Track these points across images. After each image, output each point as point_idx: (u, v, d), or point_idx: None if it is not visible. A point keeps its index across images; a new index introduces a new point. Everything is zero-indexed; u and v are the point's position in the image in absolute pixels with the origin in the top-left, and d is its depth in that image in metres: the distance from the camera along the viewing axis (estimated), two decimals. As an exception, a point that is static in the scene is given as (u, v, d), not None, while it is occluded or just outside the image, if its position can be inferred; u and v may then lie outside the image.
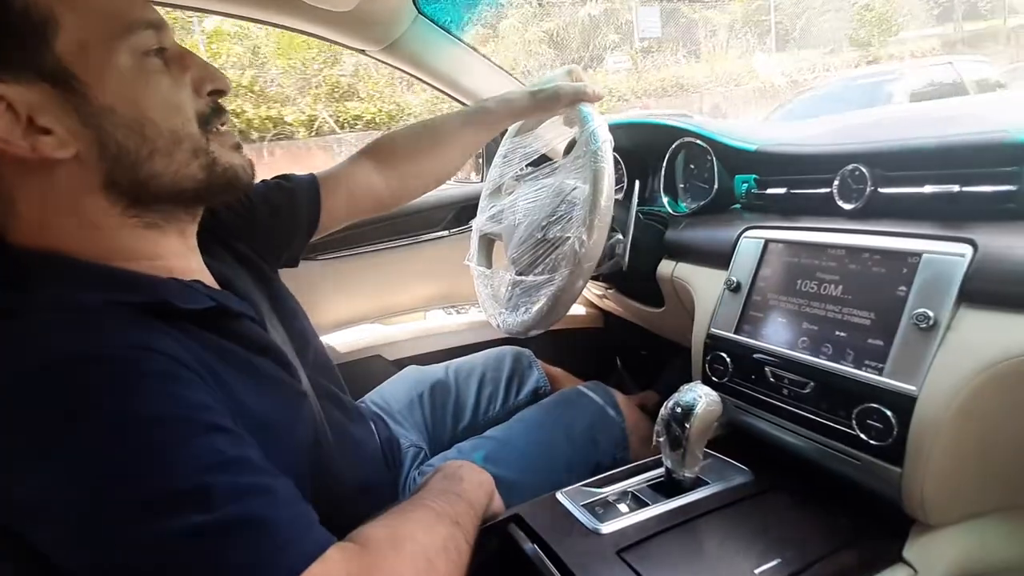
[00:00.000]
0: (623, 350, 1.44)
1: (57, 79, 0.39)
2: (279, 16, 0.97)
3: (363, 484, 0.64)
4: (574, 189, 0.80)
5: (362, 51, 1.07)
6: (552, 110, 0.82)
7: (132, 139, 0.42)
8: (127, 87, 0.42)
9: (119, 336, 0.39)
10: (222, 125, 0.50)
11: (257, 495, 0.38)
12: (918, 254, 0.54)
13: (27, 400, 0.35)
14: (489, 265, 1.01)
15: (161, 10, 0.48)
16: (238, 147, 0.51)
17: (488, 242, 1.01)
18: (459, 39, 1.10)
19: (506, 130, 0.99)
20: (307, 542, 0.38)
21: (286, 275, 0.73)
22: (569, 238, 0.75)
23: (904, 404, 0.51)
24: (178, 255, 0.50)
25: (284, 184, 0.74)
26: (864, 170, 0.62)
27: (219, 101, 0.50)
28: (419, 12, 1.01)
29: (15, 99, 0.38)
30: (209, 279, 0.54)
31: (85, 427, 0.35)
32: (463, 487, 0.56)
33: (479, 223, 0.99)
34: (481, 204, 1.01)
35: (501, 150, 0.96)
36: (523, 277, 0.84)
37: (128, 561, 0.34)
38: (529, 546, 0.53)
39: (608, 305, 1.22)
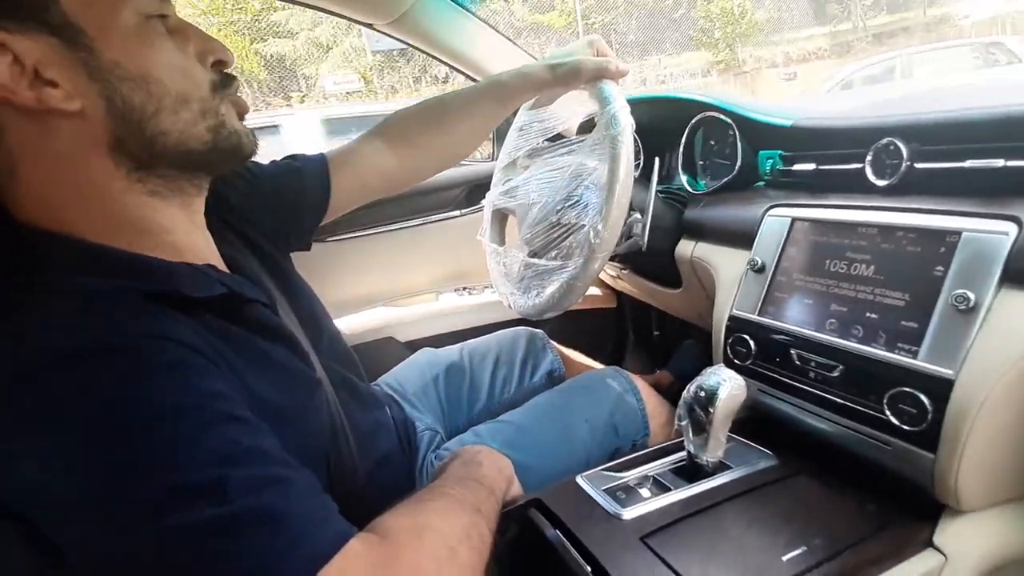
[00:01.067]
0: (636, 330, 1.43)
1: (63, 32, 0.39)
2: (284, -11, 0.94)
3: (380, 469, 0.64)
4: (592, 172, 0.77)
5: (369, 25, 1.04)
6: (571, 85, 0.78)
7: (138, 95, 0.42)
8: (133, 44, 0.42)
9: (131, 325, 0.38)
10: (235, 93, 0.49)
11: (273, 487, 0.37)
12: (957, 232, 0.52)
13: (42, 390, 0.34)
14: (502, 241, 0.99)
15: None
16: (243, 116, 0.50)
17: (501, 217, 0.99)
18: (470, 11, 1.07)
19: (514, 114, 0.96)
20: (326, 534, 0.37)
21: (296, 257, 0.72)
22: (584, 226, 0.73)
23: (940, 388, 0.49)
24: (185, 231, 0.49)
25: (292, 164, 0.72)
26: (899, 144, 0.60)
27: (227, 72, 0.49)
28: (428, -17, 0.98)
29: (20, 50, 0.37)
30: (220, 262, 0.53)
31: (99, 418, 0.34)
32: (482, 473, 0.55)
33: (492, 197, 0.97)
34: (495, 177, 0.98)
35: (517, 122, 0.93)
36: (536, 260, 0.82)
37: (142, 553, 0.34)
38: (551, 531, 0.52)
39: (622, 285, 1.20)
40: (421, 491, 0.51)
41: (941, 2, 10.38)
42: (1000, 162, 0.52)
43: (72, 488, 0.34)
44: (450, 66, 1.13)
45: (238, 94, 0.50)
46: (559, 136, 0.90)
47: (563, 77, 0.75)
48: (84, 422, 0.34)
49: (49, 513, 0.35)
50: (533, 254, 0.84)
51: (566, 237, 0.79)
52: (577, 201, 0.78)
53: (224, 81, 0.48)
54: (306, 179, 0.71)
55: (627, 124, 0.69)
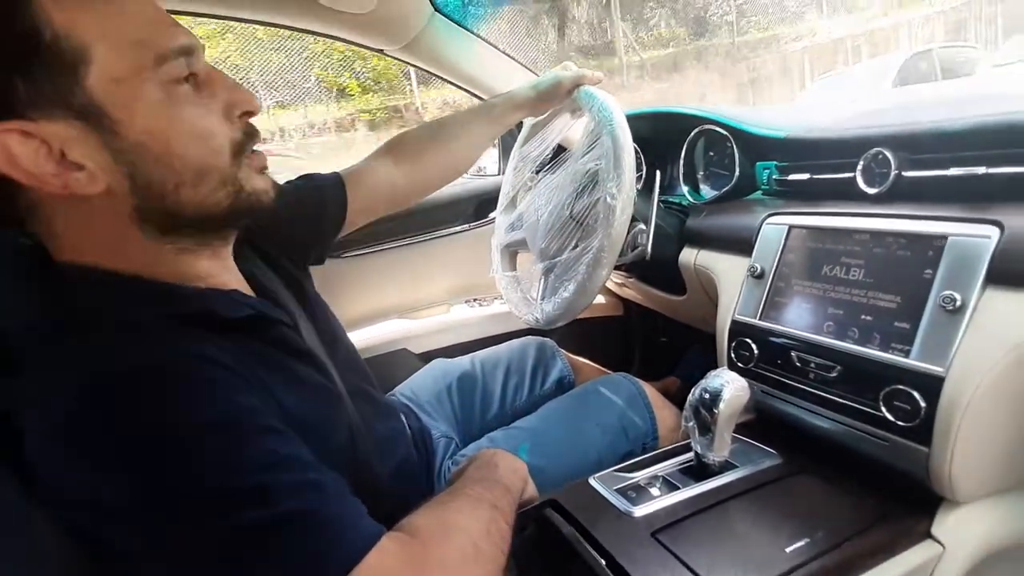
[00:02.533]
0: (643, 337, 1.45)
1: (88, 115, 0.39)
2: (299, 20, 0.99)
3: (399, 477, 0.67)
4: (594, 163, 0.79)
5: (380, 51, 1.09)
6: (554, 99, 0.87)
7: (159, 171, 0.42)
8: (157, 121, 0.41)
9: (171, 347, 0.41)
10: (254, 148, 0.50)
11: (311, 490, 0.40)
12: (944, 237, 0.55)
13: (92, 413, 0.37)
14: (515, 271, 1.03)
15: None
16: (264, 169, 0.51)
17: (511, 254, 1.03)
18: (476, 34, 1.11)
19: (519, 129, 1.01)
20: (361, 533, 0.40)
21: (313, 273, 0.76)
22: (598, 198, 0.75)
23: (932, 385, 0.51)
24: (214, 274, 0.51)
25: (310, 184, 0.76)
26: (888, 154, 0.63)
27: (250, 122, 0.50)
28: (436, 9, 1.02)
29: (47, 135, 0.38)
30: (245, 287, 0.56)
31: (147, 435, 0.37)
32: (499, 473, 0.58)
33: (499, 240, 1.01)
34: (497, 222, 1.03)
35: (511, 163, 0.98)
36: (557, 259, 0.85)
37: (195, 558, 0.37)
38: (567, 529, 0.55)
39: (628, 293, 1.23)
40: (441, 493, 0.54)
41: (745, 29, 9.22)
42: (982, 169, 0.55)
43: (127, 502, 0.37)
44: (459, 87, 1.17)
45: (256, 148, 0.50)
46: (557, 153, 0.94)
47: (545, 92, 0.85)
48: (134, 438, 0.37)
49: (114, 526, 0.38)
50: (551, 256, 0.87)
51: (582, 224, 0.82)
52: (586, 187, 0.82)
53: (247, 137, 0.48)
54: (325, 196, 0.76)
55: (616, 107, 0.75)
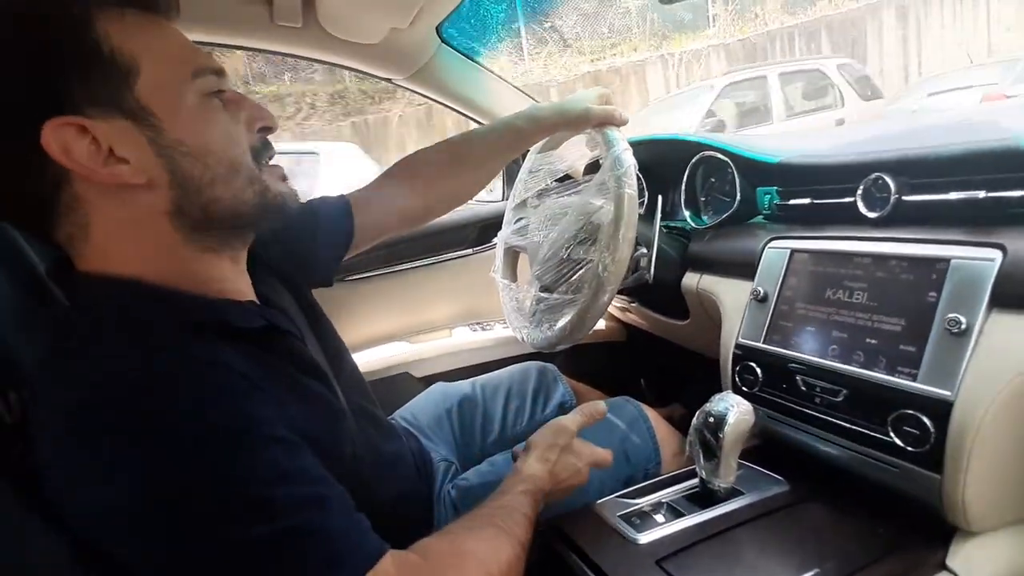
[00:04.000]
0: (646, 363, 1.44)
1: (136, 115, 0.43)
2: (310, 51, 1.02)
3: (398, 498, 0.66)
4: (599, 210, 0.81)
5: (388, 80, 1.12)
6: (578, 129, 0.85)
7: (197, 168, 0.46)
8: (194, 123, 0.46)
9: (184, 353, 0.42)
10: (270, 159, 0.53)
11: (314, 506, 0.40)
12: (946, 260, 0.55)
13: (101, 417, 0.38)
14: (514, 278, 1.03)
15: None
16: (285, 178, 0.55)
17: (513, 255, 1.03)
18: (482, 65, 1.14)
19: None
20: (363, 551, 0.40)
21: (318, 296, 0.76)
22: (592, 261, 0.76)
23: (940, 409, 0.51)
24: (230, 279, 0.53)
25: (317, 206, 0.77)
26: (887, 179, 0.63)
27: (267, 138, 0.54)
28: (443, 41, 1.06)
29: (99, 133, 0.42)
30: (256, 299, 0.57)
31: (153, 441, 0.37)
32: (535, 513, 0.56)
33: (504, 235, 1.01)
34: (507, 217, 1.03)
35: (527, 164, 0.99)
36: (547, 295, 0.86)
37: (194, 570, 0.37)
38: (571, 558, 0.53)
39: (631, 319, 1.23)
40: (470, 516, 0.53)
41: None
42: (982, 193, 0.56)
43: (128, 507, 0.37)
44: (465, 115, 1.20)
45: (273, 162, 0.55)
46: (567, 177, 0.95)
47: (572, 121, 0.82)
48: (142, 443, 0.37)
49: (114, 531, 0.37)
50: (544, 289, 0.88)
51: (576, 272, 0.83)
52: (585, 238, 0.82)
53: (263, 147, 0.53)
54: (333, 219, 0.77)
55: (630, 165, 0.75)
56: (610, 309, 1.31)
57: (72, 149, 0.41)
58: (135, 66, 0.43)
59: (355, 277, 1.22)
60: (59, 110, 0.40)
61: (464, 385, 0.98)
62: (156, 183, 0.45)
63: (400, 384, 1.20)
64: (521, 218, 0.99)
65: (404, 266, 1.27)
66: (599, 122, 0.80)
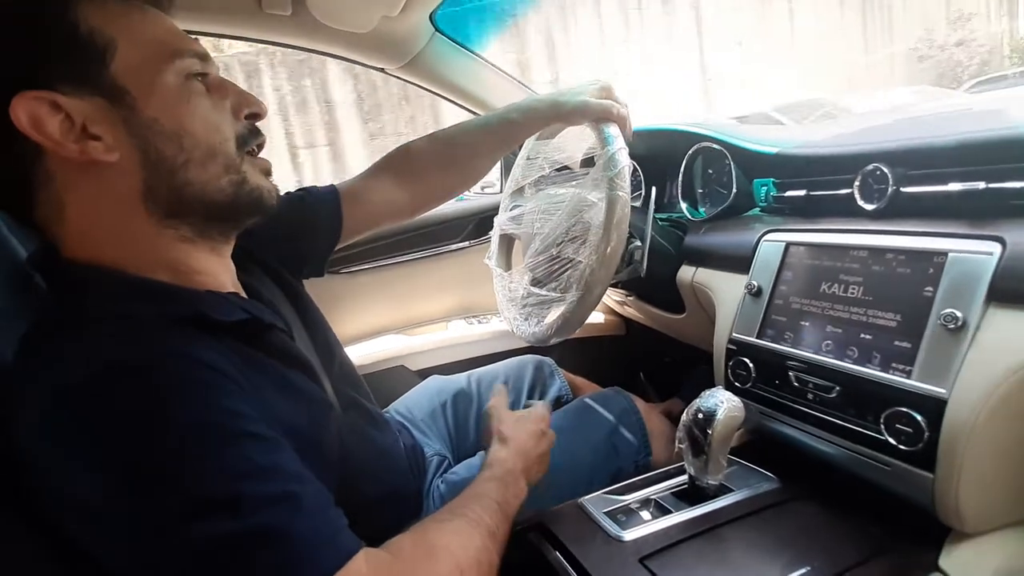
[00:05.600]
0: (646, 357, 1.43)
1: (112, 94, 0.44)
2: (300, 40, 1.00)
3: (388, 493, 0.65)
4: (591, 207, 0.79)
5: (381, 69, 1.10)
6: (575, 123, 0.81)
7: (170, 148, 0.46)
8: (171, 102, 0.46)
9: (159, 345, 0.41)
10: (258, 147, 0.53)
11: (284, 504, 0.39)
12: (944, 253, 0.53)
13: (74, 407, 0.37)
14: (508, 265, 1.01)
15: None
16: (268, 173, 0.54)
17: (508, 241, 1.02)
18: (476, 54, 1.12)
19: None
20: (332, 551, 0.39)
21: (312, 288, 0.75)
22: (581, 262, 0.75)
23: (934, 407, 0.49)
24: (211, 271, 0.52)
25: (306, 197, 0.76)
26: (885, 169, 0.61)
27: (256, 125, 0.53)
28: (436, 30, 1.04)
29: (72, 109, 0.42)
30: (241, 291, 0.56)
31: (124, 432, 0.37)
32: (507, 498, 0.56)
33: (500, 221, 1.00)
34: (503, 203, 1.01)
35: (524, 151, 0.96)
36: (537, 289, 0.84)
37: (158, 563, 0.36)
38: (552, 554, 0.53)
39: (629, 312, 1.22)
40: (441, 510, 0.53)
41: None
42: (982, 184, 0.54)
43: (99, 496, 0.37)
44: (459, 105, 1.18)
45: (260, 152, 0.54)
46: (565, 167, 0.93)
47: (568, 114, 0.78)
48: (111, 435, 0.37)
49: (81, 521, 0.37)
50: (535, 282, 0.87)
51: (565, 270, 0.81)
52: (576, 236, 0.81)
53: (250, 134, 0.52)
54: (319, 210, 0.76)
55: (624, 166, 0.72)
56: (608, 302, 1.29)
57: (43, 123, 0.41)
58: (112, 46, 0.43)
59: (352, 269, 1.22)
60: (31, 85, 0.41)
61: (459, 378, 0.97)
62: (127, 162, 0.45)
63: (395, 377, 1.19)
64: (517, 204, 0.97)
65: (401, 258, 1.27)
66: (596, 117, 0.76)
